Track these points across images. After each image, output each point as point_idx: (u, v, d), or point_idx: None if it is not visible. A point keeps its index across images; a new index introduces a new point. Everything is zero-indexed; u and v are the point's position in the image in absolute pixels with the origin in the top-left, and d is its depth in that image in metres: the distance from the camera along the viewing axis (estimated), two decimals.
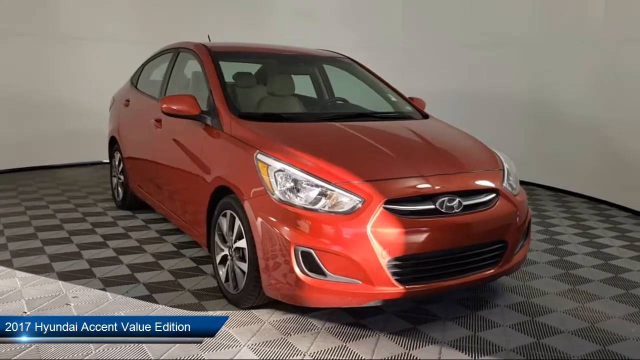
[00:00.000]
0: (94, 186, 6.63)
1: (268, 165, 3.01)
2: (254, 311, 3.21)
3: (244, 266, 3.13)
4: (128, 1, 8.12)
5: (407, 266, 2.89)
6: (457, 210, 3.02)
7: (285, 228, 2.84)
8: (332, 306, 2.99)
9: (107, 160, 7.91)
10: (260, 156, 3.08)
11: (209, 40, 5.13)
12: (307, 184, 2.90)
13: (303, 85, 4.84)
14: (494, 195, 3.23)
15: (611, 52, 5.97)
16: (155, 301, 3.31)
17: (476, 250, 3.11)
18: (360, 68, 4.68)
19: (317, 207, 2.85)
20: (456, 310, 3.28)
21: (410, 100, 4.35)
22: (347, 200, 2.85)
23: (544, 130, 6.89)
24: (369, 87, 4.52)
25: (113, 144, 5.62)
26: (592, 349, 2.86)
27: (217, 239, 3.42)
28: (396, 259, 2.84)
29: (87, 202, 5.76)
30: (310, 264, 2.81)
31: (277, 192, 2.92)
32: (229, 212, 3.26)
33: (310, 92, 4.92)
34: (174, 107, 3.66)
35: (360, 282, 2.81)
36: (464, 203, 3.06)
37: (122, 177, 5.38)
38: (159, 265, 3.94)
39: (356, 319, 3.13)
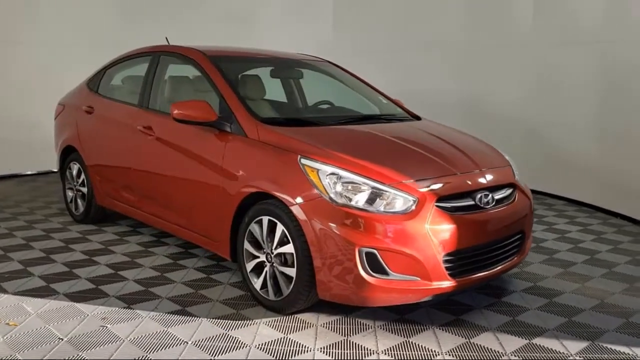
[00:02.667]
0: (31, 201, 6.13)
1: (318, 170, 3.03)
2: (298, 316, 3.21)
3: (290, 271, 3.12)
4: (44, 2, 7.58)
5: (457, 260, 3.04)
6: (492, 205, 3.23)
7: (347, 230, 2.88)
8: (392, 304, 3.07)
9: (31, 172, 7.42)
10: (304, 161, 3.09)
11: (168, 42, 4.99)
12: (363, 186, 2.96)
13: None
14: (512, 189, 3.49)
15: (542, 55, 6.55)
16: (191, 314, 3.20)
17: (507, 241, 3.35)
18: (343, 72, 4.78)
19: (375, 208, 2.92)
20: (483, 300, 3.50)
21: (397, 102, 4.53)
22: (401, 200, 2.95)
23: (479, 129, 7.36)
24: (354, 90, 4.63)
25: (68, 154, 5.25)
26: (619, 322, 3.19)
27: (248, 246, 3.36)
28: (449, 254, 2.98)
29: (37, 218, 5.33)
30: (374, 264, 2.87)
31: (332, 195, 2.95)
32: (266, 218, 3.22)
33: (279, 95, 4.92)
34: (189, 114, 3.55)
35: (419, 279, 2.93)
36: (496, 198, 3.28)
37: (83, 188, 5.04)
38: (168, 278, 3.78)
39: (400, 315, 3.24)
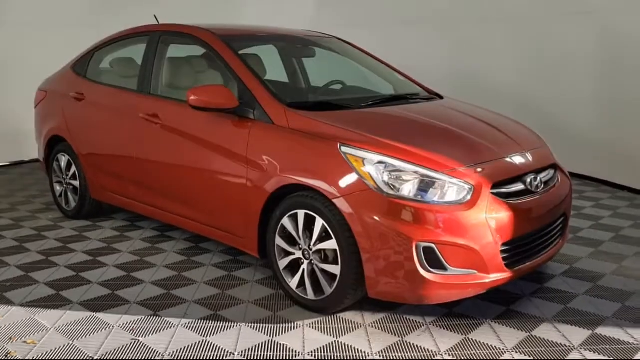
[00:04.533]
0: (10, 195, 5.69)
1: (363, 159, 2.79)
2: (341, 315, 2.99)
3: (334, 269, 2.89)
4: None
5: (512, 249, 2.87)
6: (542, 189, 3.06)
7: (402, 224, 2.65)
8: (450, 300, 2.87)
9: (2, 163, 6.95)
10: (346, 149, 2.84)
11: (157, 20, 4.63)
12: (414, 175, 2.73)
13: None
14: (554, 170, 3.32)
15: (537, 27, 6.38)
16: (226, 319, 2.94)
17: (553, 225, 3.19)
18: (353, 48, 4.51)
19: (429, 198, 2.70)
20: (527, 287, 3.34)
21: (413, 80, 4.30)
22: (457, 189, 2.74)
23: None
24: (366, 68, 4.38)
25: (54, 144, 4.85)
26: None
27: (280, 242, 3.11)
28: (505, 243, 2.80)
29: (23, 215, 4.93)
30: (432, 260, 2.67)
31: (381, 186, 2.72)
32: (302, 212, 2.97)
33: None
34: (208, 100, 3.25)
35: (476, 272, 2.74)
36: (543, 180, 3.11)
37: (74, 182, 4.67)
38: (188, 278, 3.50)
39: (449, 309, 3.05)
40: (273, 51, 4.31)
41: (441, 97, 4.04)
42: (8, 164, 7.25)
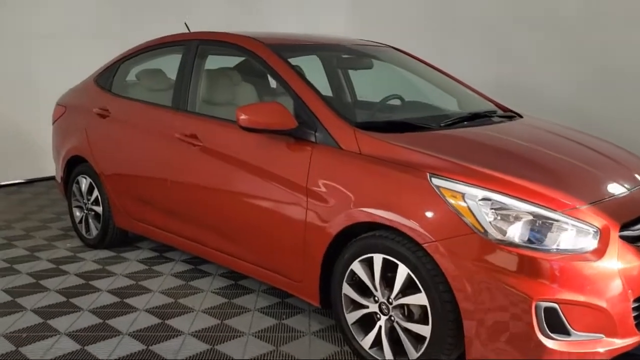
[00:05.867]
0: (24, 219, 5.19)
1: (462, 194, 2.26)
2: None
3: (422, 329, 2.36)
4: None
5: None
6: None
7: (517, 278, 2.13)
8: None
9: (14, 181, 6.48)
10: (438, 181, 2.32)
11: (187, 28, 4.15)
12: (527, 216, 2.20)
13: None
14: None
15: (597, 37, 5.84)
16: None
17: None
18: (410, 58, 4.00)
19: (548, 245, 2.17)
20: None
21: (486, 96, 3.78)
22: (580, 233, 2.21)
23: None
24: (427, 81, 3.86)
25: (74, 165, 4.36)
26: None
27: (349, 291, 2.59)
28: (637, 299, 2.27)
29: (38, 244, 4.43)
30: (553, 323, 2.13)
31: (487, 229, 2.19)
32: (379, 256, 2.45)
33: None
34: (261, 120, 2.74)
35: (603, 336, 2.20)
36: None
37: (96, 207, 4.17)
38: (232, 328, 2.99)
39: None
40: (316, 61, 3.82)
41: (520, 116, 3.50)
42: (22, 181, 6.75)
